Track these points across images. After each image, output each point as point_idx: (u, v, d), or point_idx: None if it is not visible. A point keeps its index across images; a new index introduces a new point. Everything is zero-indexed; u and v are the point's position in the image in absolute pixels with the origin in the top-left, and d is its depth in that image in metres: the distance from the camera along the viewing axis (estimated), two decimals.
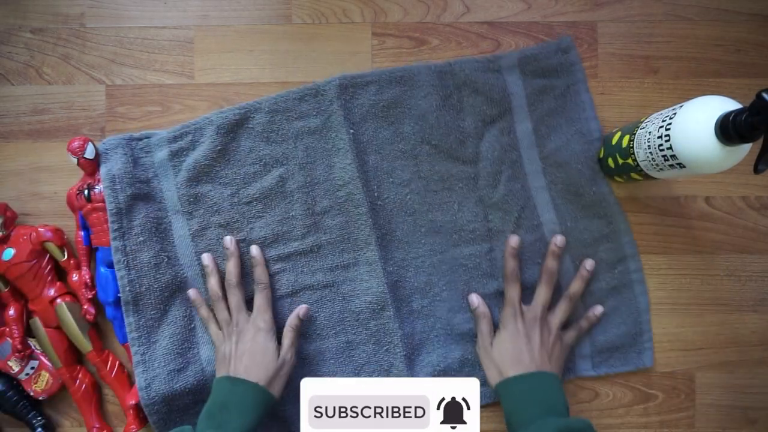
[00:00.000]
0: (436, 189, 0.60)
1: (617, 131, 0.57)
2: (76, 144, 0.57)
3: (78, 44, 0.62)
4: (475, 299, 0.59)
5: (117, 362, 0.59)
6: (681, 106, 0.47)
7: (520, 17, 0.62)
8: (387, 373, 0.60)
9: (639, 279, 0.61)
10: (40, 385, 0.59)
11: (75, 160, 0.57)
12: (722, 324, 0.61)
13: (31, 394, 0.59)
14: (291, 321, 0.58)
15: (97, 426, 0.59)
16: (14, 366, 0.58)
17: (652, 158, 0.50)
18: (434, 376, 0.59)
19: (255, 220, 0.60)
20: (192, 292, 0.59)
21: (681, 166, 0.47)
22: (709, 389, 0.61)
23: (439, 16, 0.62)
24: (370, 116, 0.60)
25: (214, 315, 0.58)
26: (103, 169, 0.58)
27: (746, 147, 0.44)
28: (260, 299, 0.57)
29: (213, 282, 0.58)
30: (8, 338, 0.58)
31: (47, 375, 0.59)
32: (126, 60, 0.62)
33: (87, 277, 0.59)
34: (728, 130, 0.42)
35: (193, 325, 0.59)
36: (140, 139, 0.60)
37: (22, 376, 0.58)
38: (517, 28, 0.62)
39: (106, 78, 0.62)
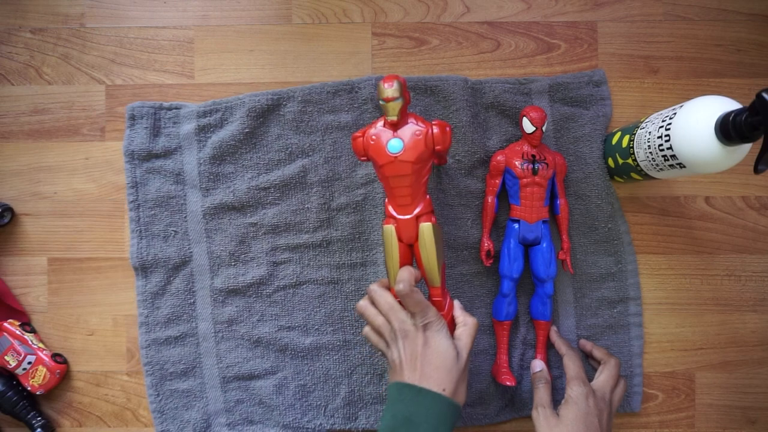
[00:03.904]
0: (453, 203, 0.60)
1: (617, 131, 0.57)
2: (537, 114, 0.54)
3: (78, 44, 0.62)
4: (538, 364, 0.57)
5: (453, 309, 0.52)
6: (681, 106, 0.47)
7: (520, 17, 0.62)
8: (380, 377, 0.60)
9: (637, 322, 0.61)
10: (37, 380, 0.59)
11: (533, 129, 0.54)
12: (722, 324, 0.61)
13: (29, 388, 0.59)
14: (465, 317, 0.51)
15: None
16: (11, 361, 0.58)
17: (652, 158, 0.50)
18: None
19: (269, 207, 0.60)
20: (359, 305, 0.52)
21: (681, 166, 0.47)
22: (709, 389, 0.61)
23: (439, 16, 0.62)
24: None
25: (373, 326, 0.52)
26: (124, 142, 0.60)
27: (746, 147, 0.44)
28: (418, 295, 0.48)
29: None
30: (5, 334, 0.58)
31: (44, 370, 0.59)
32: (126, 60, 0.62)
33: (490, 246, 0.58)
34: (728, 130, 0.42)
35: (193, 300, 0.61)
36: (170, 109, 0.61)
37: (19, 371, 0.59)
38: (517, 28, 0.62)
39: (106, 78, 0.62)
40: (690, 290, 0.61)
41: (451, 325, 0.51)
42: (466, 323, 0.50)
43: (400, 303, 0.49)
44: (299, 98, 0.60)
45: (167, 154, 0.61)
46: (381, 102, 0.46)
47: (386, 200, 0.50)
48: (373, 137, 0.47)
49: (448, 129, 0.47)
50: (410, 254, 0.50)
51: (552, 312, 0.58)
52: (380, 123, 0.48)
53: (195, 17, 0.62)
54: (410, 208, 0.48)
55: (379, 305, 0.50)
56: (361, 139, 0.48)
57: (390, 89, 0.45)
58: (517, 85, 0.60)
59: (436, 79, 0.60)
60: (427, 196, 0.49)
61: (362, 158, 0.49)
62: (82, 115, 0.62)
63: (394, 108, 0.45)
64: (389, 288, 0.51)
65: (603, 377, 0.55)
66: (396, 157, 0.46)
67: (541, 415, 0.52)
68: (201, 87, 0.62)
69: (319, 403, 0.60)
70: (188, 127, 0.60)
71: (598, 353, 0.58)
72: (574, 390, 0.52)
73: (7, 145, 0.62)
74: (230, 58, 0.62)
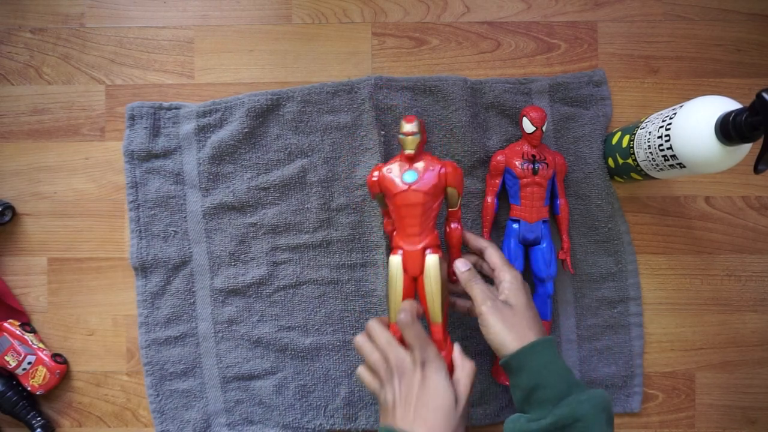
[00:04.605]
0: None
1: (617, 131, 0.57)
2: (537, 114, 0.54)
3: (78, 44, 0.62)
4: (461, 263, 0.51)
5: (452, 352, 0.49)
6: (681, 106, 0.47)
7: (520, 17, 0.62)
8: None
9: (637, 322, 0.61)
10: (38, 380, 0.59)
11: (533, 129, 0.54)
12: (722, 324, 0.61)
13: (29, 389, 0.59)
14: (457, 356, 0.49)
15: None
16: (11, 361, 0.58)
17: (652, 158, 0.50)
18: None
19: (269, 207, 0.60)
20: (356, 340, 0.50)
21: (681, 166, 0.47)
22: (709, 389, 0.61)
23: (439, 16, 0.62)
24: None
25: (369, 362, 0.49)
26: (123, 142, 0.60)
27: (746, 147, 0.44)
28: (419, 328, 0.47)
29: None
30: (5, 334, 0.58)
31: (44, 370, 0.59)
32: (126, 60, 0.62)
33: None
34: (728, 130, 0.42)
35: (193, 300, 0.61)
36: (169, 109, 0.61)
37: (19, 371, 0.59)
38: (517, 28, 0.62)
39: (106, 78, 0.62)
40: (690, 290, 0.61)
41: (449, 370, 0.48)
42: (464, 367, 0.47)
43: (400, 340, 0.47)
44: (299, 98, 0.60)
45: (167, 154, 0.61)
46: (400, 136, 0.49)
47: (394, 233, 0.51)
48: (389, 170, 0.50)
49: (460, 171, 0.50)
50: (413, 289, 0.50)
51: (552, 312, 0.58)
52: (397, 160, 0.51)
53: (195, 17, 0.62)
54: (417, 239, 0.49)
55: (377, 340, 0.48)
56: (378, 173, 0.51)
57: (410, 125, 0.49)
58: (517, 85, 0.60)
59: (436, 79, 0.60)
60: (435, 231, 0.50)
61: (374, 191, 0.51)
62: (82, 115, 0.62)
63: (412, 141, 0.49)
64: (389, 326, 0.50)
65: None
66: (410, 186, 0.48)
67: (492, 309, 0.47)
68: (201, 87, 0.62)
69: (319, 403, 0.60)
70: (188, 127, 0.60)
71: (497, 263, 0.51)
72: (509, 276, 0.50)
73: (7, 145, 0.62)
74: (230, 58, 0.62)
